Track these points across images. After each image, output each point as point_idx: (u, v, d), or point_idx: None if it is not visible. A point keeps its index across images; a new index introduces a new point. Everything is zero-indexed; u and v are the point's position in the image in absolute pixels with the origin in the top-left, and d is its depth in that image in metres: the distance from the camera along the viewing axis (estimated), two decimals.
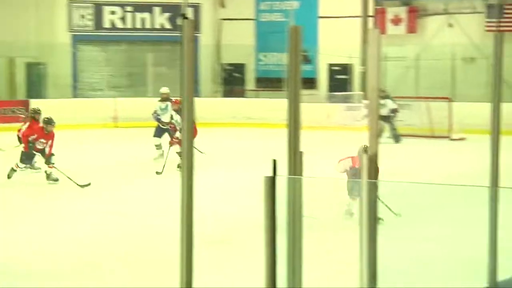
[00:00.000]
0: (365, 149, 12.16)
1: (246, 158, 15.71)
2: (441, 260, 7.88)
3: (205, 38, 27.14)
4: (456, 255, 7.92)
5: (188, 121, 3.47)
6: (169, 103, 16.65)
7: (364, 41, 25.02)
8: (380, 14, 26.37)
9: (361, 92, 24.35)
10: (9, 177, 13.48)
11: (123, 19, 27.36)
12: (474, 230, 6.94)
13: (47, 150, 13.29)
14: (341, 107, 23.74)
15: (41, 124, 13.62)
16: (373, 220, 3.92)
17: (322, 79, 27.22)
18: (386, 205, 9.30)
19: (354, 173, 10.36)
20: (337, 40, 25.83)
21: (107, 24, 27.21)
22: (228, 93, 27.65)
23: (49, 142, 13.34)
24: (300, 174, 3.91)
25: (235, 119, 23.99)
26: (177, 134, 15.05)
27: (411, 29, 26.20)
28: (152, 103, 17.38)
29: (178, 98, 15.33)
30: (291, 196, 3.82)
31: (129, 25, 27.38)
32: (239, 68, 28.36)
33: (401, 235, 8.79)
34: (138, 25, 27.43)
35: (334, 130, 21.68)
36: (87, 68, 27.28)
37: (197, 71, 25.48)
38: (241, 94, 27.51)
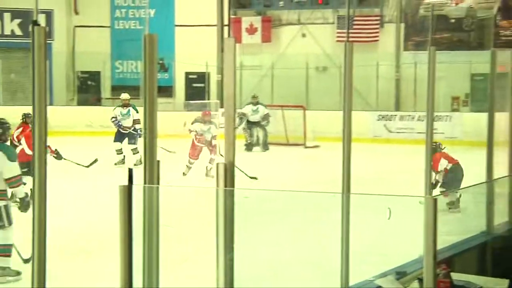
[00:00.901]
0: (438, 146, 13.32)
1: (102, 167, 15.45)
2: (297, 265, 8.02)
3: (59, 45, 26.54)
4: (311, 260, 8.08)
5: (40, 130, 3.39)
6: (131, 108, 17.27)
7: (221, 49, 25.21)
8: (235, 23, 26.65)
9: (218, 101, 24.52)
10: None
11: None
12: (327, 236, 7.12)
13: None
14: (198, 116, 23.77)
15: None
16: (229, 227, 3.94)
17: (179, 87, 27.22)
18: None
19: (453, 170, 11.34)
20: (194, 49, 25.91)
21: None
22: (83, 101, 27.16)
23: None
24: (157, 183, 3.89)
25: (90, 128, 23.60)
26: (214, 141, 15.68)
27: (266, 39, 26.63)
28: (2, 111, 16.85)
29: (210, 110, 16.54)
30: (147, 205, 3.78)
31: None
32: (94, 76, 27.90)
33: (257, 240, 8.89)
34: None
35: (191, 138, 21.66)
36: None
37: (50, 79, 24.88)
38: (96, 102, 27.08)
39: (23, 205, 8.11)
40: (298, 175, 16.08)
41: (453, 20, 25.00)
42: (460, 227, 6.58)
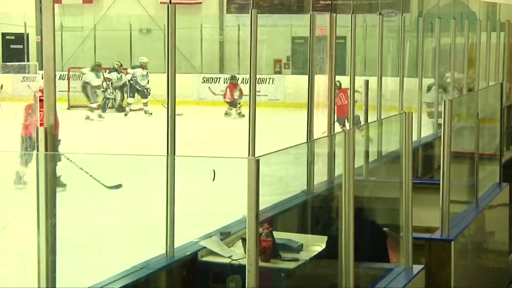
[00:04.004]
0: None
1: None
2: (121, 230, 7.97)
3: None
4: (136, 224, 8.06)
5: None
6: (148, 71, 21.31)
7: (39, 10, 24.39)
8: None
9: (37, 63, 23.78)
10: None
11: None
12: (152, 199, 7.11)
13: None
14: (16, 78, 22.96)
15: None
16: (51, 192, 3.85)
17: None
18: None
19: None
20: (11, 9, 24.90)
21: None
22: None
23: None
24: None
25: None
26: None
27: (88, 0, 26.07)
28: None
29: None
30: None
31: None
32: None
33: (81, 206, 8.76)
34: None
35: (9, 101, 20.92)
36: None
37: None
38: None
39: None
40: (123, 139, 15.94)
41: None
42: (281, 187, 6.75)
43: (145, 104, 21.22)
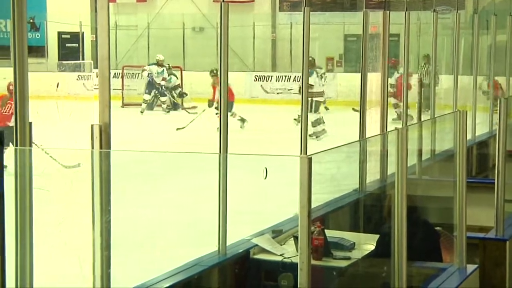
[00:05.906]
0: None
1: None
2: (175, 226, 8.03)
3: None
4: (188, 220, 8.12)
5: None
6: (164, 69, 21.45)
7: (94, 9, 24.69)
8: None
9: (92, 61, 24.06)
10: None
11: None
12: (204, 196, 7.15)
13: None
14: (72, 76, 23.27)
15: None
16: (106, 189, 3.90)
17: (52, 47, 26.52)
18: None
19: None
20: (66, 7, 25.27)
21: None
22: None
23: None
24: (29, 145, 3.79)
25: None
26: None
27: None
28: None
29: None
30: (20, 168, 3.69)
31: None
32: None
33: (134, 202, 8.84)
34: None
35: (65, 99, 21.22)
36: None
37: None
38: None
39: None
40: (174, 136, 16.05)
41: None
42: (333, 185, 6.74)
43: (163, 102, 21.51)
